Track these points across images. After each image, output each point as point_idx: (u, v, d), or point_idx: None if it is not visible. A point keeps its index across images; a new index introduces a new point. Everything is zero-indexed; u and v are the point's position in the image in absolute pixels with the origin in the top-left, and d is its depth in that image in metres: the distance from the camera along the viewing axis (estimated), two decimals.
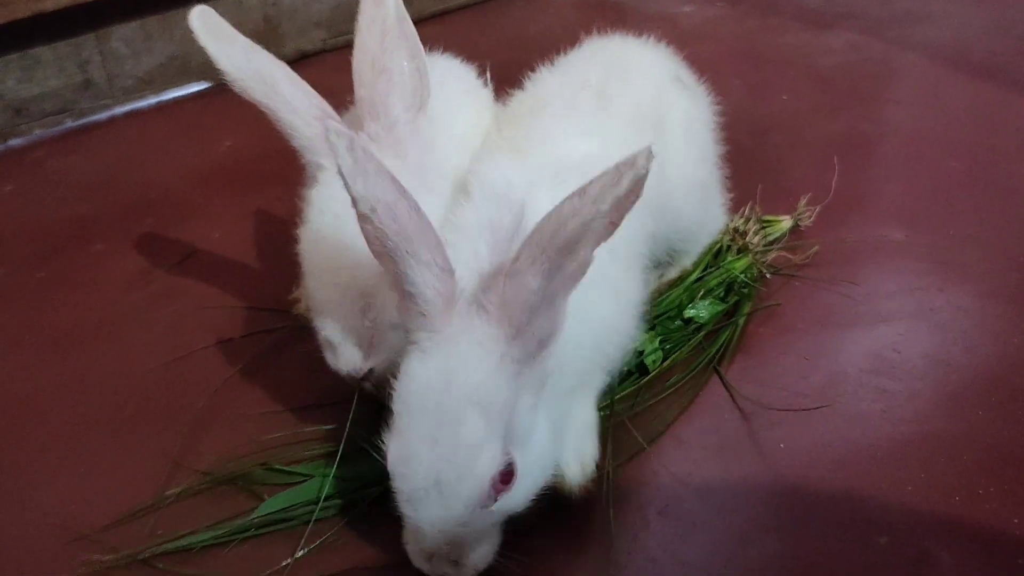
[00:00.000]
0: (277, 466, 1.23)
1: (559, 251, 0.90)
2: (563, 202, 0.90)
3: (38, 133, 2.27)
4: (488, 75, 1.49)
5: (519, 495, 0.98)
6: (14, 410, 1.40)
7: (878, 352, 1.39)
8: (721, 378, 1.34)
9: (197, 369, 1.44)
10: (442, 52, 1.52)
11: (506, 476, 0.95)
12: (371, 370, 1.14)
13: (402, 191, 0.93)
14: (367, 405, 1.20)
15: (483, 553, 1.00)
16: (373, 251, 0.96)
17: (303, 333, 1.48)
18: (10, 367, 1.48)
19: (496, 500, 0.95)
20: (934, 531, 1.10)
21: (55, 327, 1.56)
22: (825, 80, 2.31)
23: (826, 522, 1.13)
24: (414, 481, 0.93)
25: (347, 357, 1.13)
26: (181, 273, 1.68)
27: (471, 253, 1.02)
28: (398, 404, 0.96)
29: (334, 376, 1.32)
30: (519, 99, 1.37)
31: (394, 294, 0.99)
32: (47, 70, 2.25)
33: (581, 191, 0.89)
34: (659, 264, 1.44)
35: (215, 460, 1.26)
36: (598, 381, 1.22)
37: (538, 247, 0.90)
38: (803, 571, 1.07)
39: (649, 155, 0.88)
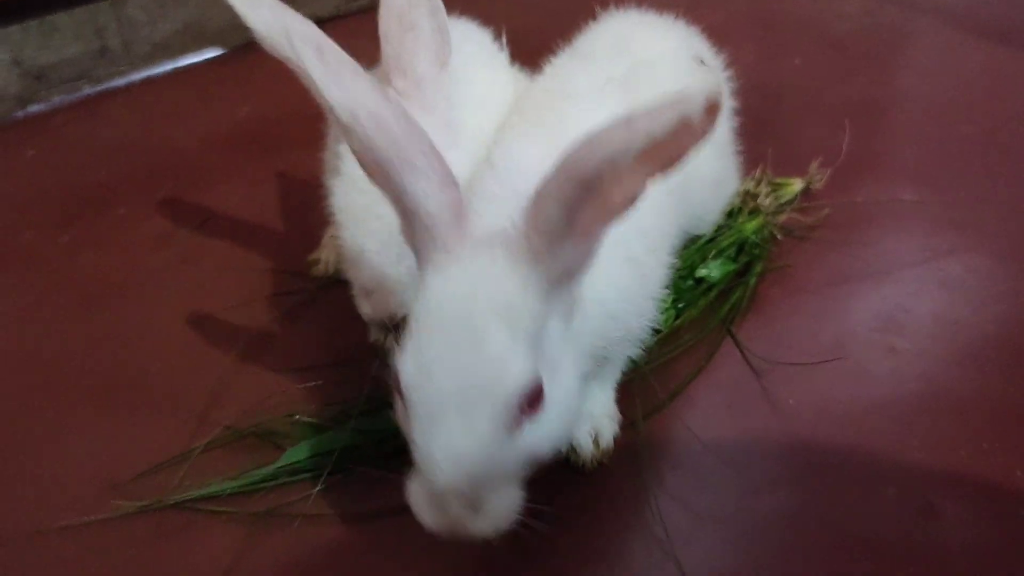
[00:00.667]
0: (299, 417, 1.27)
1: (582, 183, 0.80)
2: (603, 128, 0.79)
3: (57, 99, 2.30)
4: (504, 38, 1.50)
5: (546, 428, 0.88)
6: (46, 367, 1.44)
7: (887, 312, 1.41)
8: (732, 336, 1.37)
9: (221, 328, 1.47)
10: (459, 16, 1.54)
11: (534, 398, 0.86)
12: (404, 317, 1.16)
13: (385, 96, 0.86)
14: (387, 361, 1.24)
15: (505, 503, 0.88)
16: (363, 168, 0.88)
17: (323, 294, 1.53)
18: (40, 327, 1.52)
19: (522, 426, 0.86)
20: (939, 483, 1.13)
21: (81, 288, 1.60)
22: (838, 45, 2.31)
23: (835, 474, 1.16)
24: (433, 395, 0.84)
25: (381, 303, 1.16)
26: (202, 236, 1.71)
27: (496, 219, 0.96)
28: (415, 323, 0.87)
29: (355, 334, 1.37)
30: (542, 87, 1.28)
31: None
32: (65, 37, 2.27)
33: (627, 118, 0.78)
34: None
35: (240, 415, 1.30)
36: (620, 360, 1.23)
37: (564, 174, 0.81)
38: (812, 520, 1.10)
39: (704, 91, 0.76)
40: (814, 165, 1.67)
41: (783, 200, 1.60)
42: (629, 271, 1.08)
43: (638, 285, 1.11)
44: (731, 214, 1.52)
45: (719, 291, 1.42)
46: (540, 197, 0.84)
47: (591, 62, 1.30)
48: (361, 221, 1.13)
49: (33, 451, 1.29)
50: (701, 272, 1.40)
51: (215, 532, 1.14)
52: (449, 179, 0.89)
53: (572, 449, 1.17)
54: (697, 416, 1.25)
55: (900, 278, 1.48)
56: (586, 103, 1.18)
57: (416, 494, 0.89)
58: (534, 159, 1.02)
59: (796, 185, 1.64)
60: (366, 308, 1.17)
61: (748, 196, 1.55)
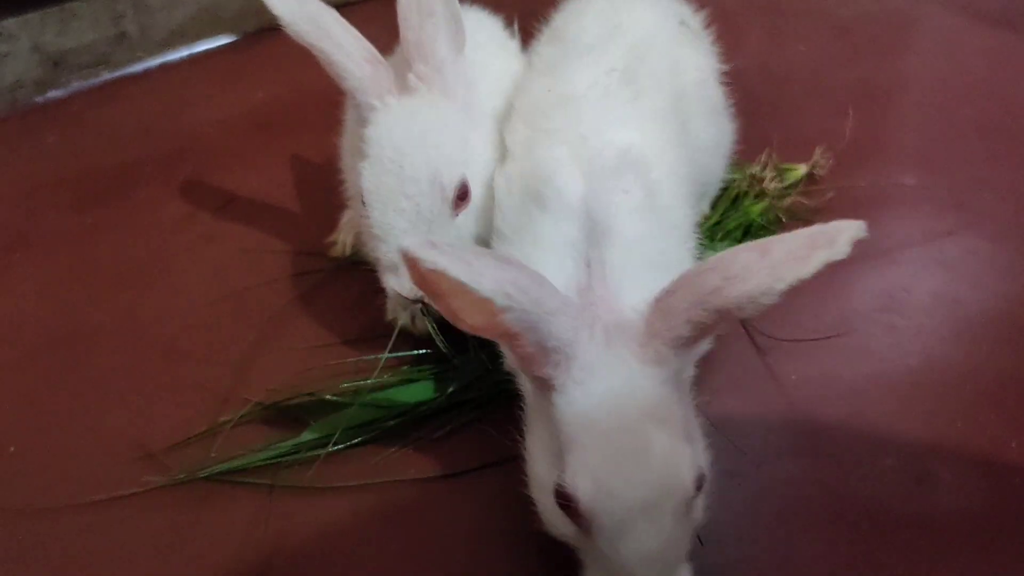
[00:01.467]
0: (321, 395, 1.32)
1: (717, 311, 0.85)
2: (736, 254, 0.85)
3: (75, 85, 2.34)
4: (516, 26, 1.55)
5: (705, 498, 0.95)
6: (75, 343, 1.49)
7: (888, 291, 1.46)
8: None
9: (243, 307, 1.52)
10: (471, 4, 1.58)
11: (699, 481, 0.90)
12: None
13: (511, 262, 0.89)
14: (405, 339, 1.30)
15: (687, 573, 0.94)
16: (519, 329, 0.88)
17: (340, 275, 1.58)
18: (68, 304, 1.57)
19: (693, 507, 0.92)
20: (937, 453, 1.19)
21: (107, 268, 1.65)
22: (843, 30, 2.35)
23: (835, 445, 1.21)
24: (618, 510, 0.86)
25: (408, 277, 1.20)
26: (223, 218, 1.76)
27: (558, 268, 1.04)
28: (573, 439, 0.89)
29: (372, 312, 1.42)
30: (542, 86, 1.30)
31: (448, 224, 1.10)
32: (83, 23, 2.31)
33: (762, 250, 0.83)
34: None
35: (264, 390, 1.35)
36: None
37: (695, 296, 0.87)
38: (814, 488, 1.16)
39: (854, 233, 0.82)
40: (818, 151, 1.72)
41: (788, 184, 1.64)
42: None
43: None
44: (737, 197, 1.57)
45: None
46: (668, 315, 0.89)
47: (587, 53, 1.31)
48: (390, 201, 1.18)
49: (64, 426, 1.34)
50: (708, 254, 1.45)
51: (244, 503, 1.19)
52: (569, 303, 0.93)
53: None
54: (704, 390, 1.30)
55: (901, 259, 1.52)
56: (596, 103, 1.22)
57: None
58: (579, 194, 1.09)
59: (801, 170, 1.68)
60: (393, 283, 1.21)
61: (754, 180, 1.60)
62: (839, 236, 0.81)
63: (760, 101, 1.96)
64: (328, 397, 1.32)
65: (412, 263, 0.82)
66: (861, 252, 1.51)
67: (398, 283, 1.21)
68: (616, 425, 0.88)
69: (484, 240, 1.25)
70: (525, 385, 1.06)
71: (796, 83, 2.10)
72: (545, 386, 0.93)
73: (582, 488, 0.86)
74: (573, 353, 0.90)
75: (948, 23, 2.34)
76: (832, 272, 1.47)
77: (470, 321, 0.89)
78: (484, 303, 0.84)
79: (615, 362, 0.91)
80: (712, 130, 1.45)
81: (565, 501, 0.88)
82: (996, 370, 1.31)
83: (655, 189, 1.14)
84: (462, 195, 1.21)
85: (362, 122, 1.23)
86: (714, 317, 0.86)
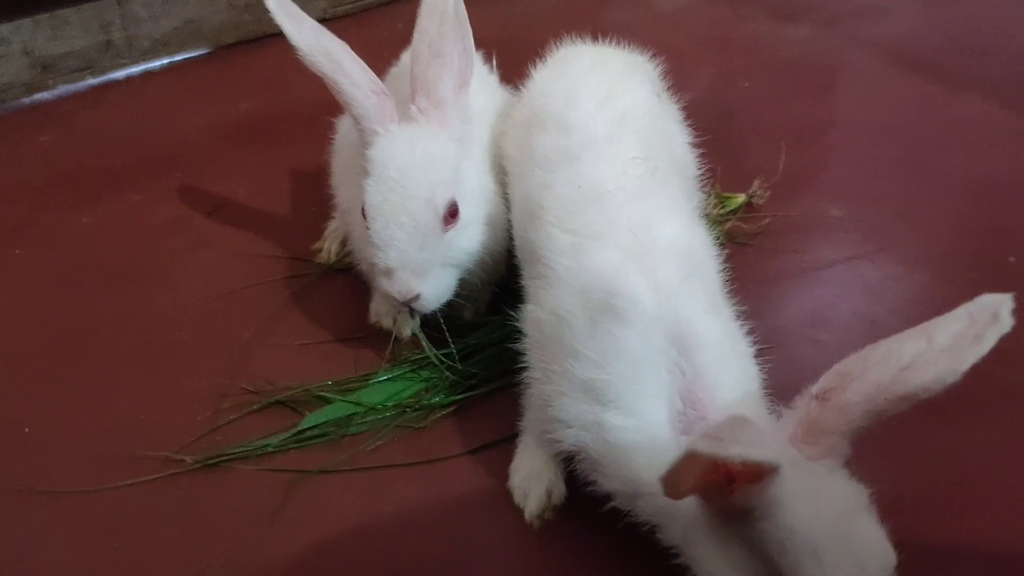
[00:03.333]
0: (314, 390, 1.47)
1: (901, 399, 0.91)
2: (903, 341, 0.92)
3: (62, 88, 2.45)
4: (495, 62, 1.72)
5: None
6: (77, 338, 1.61)
7: (815, 310, 1.66)
8: None
9: (235, 307, 1.66)
10: None
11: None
12: (418, 295, 1.37)
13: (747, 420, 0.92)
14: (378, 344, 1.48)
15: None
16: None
17: (326, 279, 1.73)
18: (68, 301, 1.69)
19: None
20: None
21: (104, 267, 1.77)
22: (784, 69, 2.57)
23: None
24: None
25: (402, 281, 1.35)
26: (213, 223, 1.89)
27: (657, 381, 1.08)
28: (808, 556, 0.90)
29: (355, 315, 1.57)
30: (569, 184, 1.31)
31: (439, 237, 1.32)
32: (73, 30, 2.42)
33: (927, 336, 0.90)
34: None
35: (260, 383, 1.49)
36: None
37: (873, 389, 0.93)
38: None
39: (1010, 305, 0.88)
40: (756, 182, 1.92)
41: (728, 210, 1.84)
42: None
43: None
44: None
45: None
46: (845, 410, 0.96)
47: (606, 144, 1.34)
48: (392, 216, 1.33)
49: (74, 411, 1.46)
50: None
51: (250, 486, 1.33)
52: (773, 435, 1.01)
53: None
54: None
55: (827, 281, 1.72)
56: (632, 195, 1.26)
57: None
58: (658, 302, 1.12)
59: (740, 198, 1.88)
60: (388, 284, 1.36)
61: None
62: (1001, 311, 0.87)
63: (708, 134, 2.15)
64: (320, 393, 1.46)
65: (700, 459, 0.83)
66: (793, 274, 1.74)
67: (393, 285, 1.36)
68: (842, 529, 0.91)
69: (472, 252, 1.42)
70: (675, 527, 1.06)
71: (741, 118, 2.30)
72: (737, 515, 0.93)
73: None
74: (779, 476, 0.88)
75: (878, 66, 2.57)
76: (767, 291, 1.69)
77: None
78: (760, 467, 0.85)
79: (810, 470, 0.95)
80: (697, 195, 1.62)
81: None
82: None
83: (707, 278, 1.24)
84: (452, 213, 1.36)
85: (365, 144, 1.38)
86: (897, 405, 0.92)
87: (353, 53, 1.40)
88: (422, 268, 1.35)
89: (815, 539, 0.89)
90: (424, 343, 1.43)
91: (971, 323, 0.88)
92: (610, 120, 1.38)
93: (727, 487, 0.90)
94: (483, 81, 1.64)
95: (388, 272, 1.36)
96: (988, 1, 3.04)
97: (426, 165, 1.34)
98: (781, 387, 1.48)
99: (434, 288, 1.37)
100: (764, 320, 1.61)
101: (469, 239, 1.41)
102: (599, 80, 1.47)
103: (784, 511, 0.90)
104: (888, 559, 0.91)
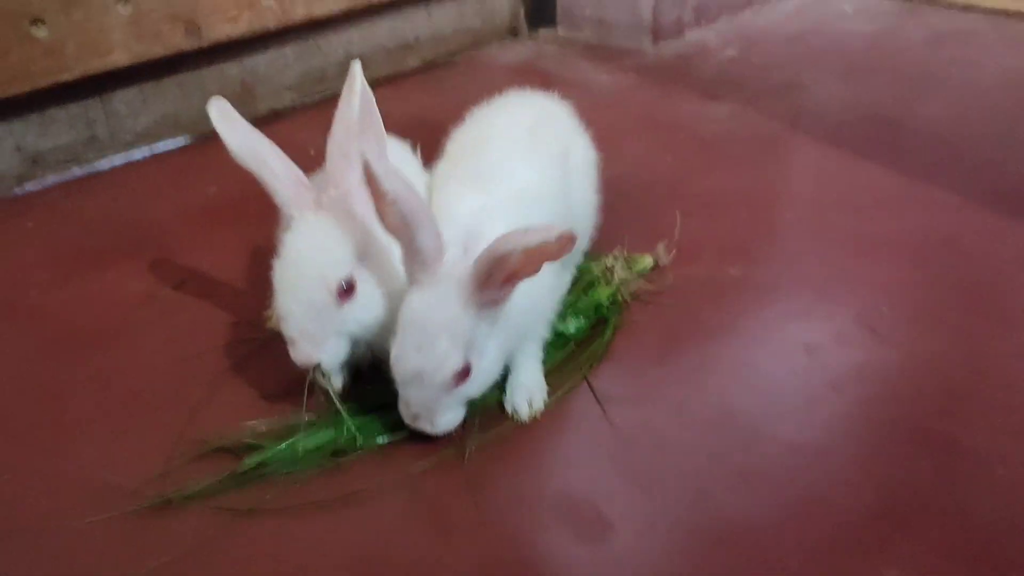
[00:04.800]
0: (255, 442, 1.66)
1: (496, 262, 1.42)
2: (509, 234, 1.40)
3: (51, 179, 2.71)
4: (418, 149, 1.98)
5: (474, 385, 1.55)
6: (51, 398, 1.81)
7: (706, 357, 1.87)
8: (585, 378, 1.81)
9: (194, 368, 1.87)
10: (393, 113, 1.98)
11: (464, 374, 1.50)
12: (319, 363, 1.59)
13: (412, 191, 1.45)
14: (316, 397, 1.66)
15: (449, 419, 1.58)
16: (389, 227, 1.51)
17: (273, 341, 1.95)
18: (45, 366, 1.91)
19: (456, 387, 1.51)
20: (733, 491, 1.58)
21: (80, 335, 2.00)
22: (705, 144, 2.83)
23: (658, 477, 1.60)
24: (406, 372, 1.50)
25: (302, 350, 1.58)
26: (179, 295, 2.12)
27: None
28: (401, 322, 1.50)
29: (295, 372, 1.78)
30: (464, 132, 1.87)
31: (334, 312, 1.56)
32: (60, 127, 2.70)
33: (522, 229, 1.39)
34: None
35: (211, 434, 1.69)
36: (538, 339, 1.77)
37: (490, 257, 1.41)
38: (645, 521, 1.52)
39: (562, 234, 1.37)
40: (661, 245, 2.16)
41: (636, 271, 2.07)
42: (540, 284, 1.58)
43: (550, 279, 1.69)
44: (591, 284, 1.99)
45: (578, 343, 1.88)
46: (478, 262, 1.43)
47: (502, 113, 1.93)
48: (289, 292, 1.57)
49: (43, 463, 1.65)
50: (560, 328, 1.86)
51: (194, 524, 1.51)
52: (439, 237, 1.48)
53: (514, 410, 1.69)
54: (559, 435, 1.69)
55: (721, 334, 1.95)
56: (502, 143, 1.82)
57: (401, 408, 1.59)
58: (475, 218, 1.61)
59: (648, 260, 2.12)
60: (293, 353, 1.59)
61: (606, 269, 2.02)
62: (552, 230, 1.39)
63: (629, 203, 2.41)
64: (259, 444, 1.65)
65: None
66: (692, 327, 1.95)
67: (296, 354, 1.59)
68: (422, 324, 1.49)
69: (375, 328, 1.63)
70: None
71: (660, 188, 2.55)
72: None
73: (392, 351, 1.53)
74: (426, 264, 1.49)
75: (788, 138, 2.84)
76: (668, 342, 1.90)
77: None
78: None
79: (445, 281, 1.50)
80: (588, 196, 2.01)
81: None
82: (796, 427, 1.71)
83: None
84: (348, 290, 1.58)
85: (285, 228, 1.63)
86: (497, 263, 1.42)
87: (279, 150, 1.65)
88: (317, 338, 1.58)
89: (400, 314, 1.52)
90: (334, 398, 1.64)
91: (535, 231, 1.40)
92: (519, 105, 1.99)
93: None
94: (405, 163, 1.88)
95: (291, 341, 1.59)
96: (897, 77, 3.34)
97: (323, 246, 1.57)
98: (669, 422, 1.69)
99: (331, 355, 1.61)
100: (662, 368, 1.84)
101: (365, 311, 1.61)
102: (528, 97, 2.03)
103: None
104: (440, 368, 1.49)
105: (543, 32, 4.06)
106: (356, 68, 1.64)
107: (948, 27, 3.95)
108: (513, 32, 4.00)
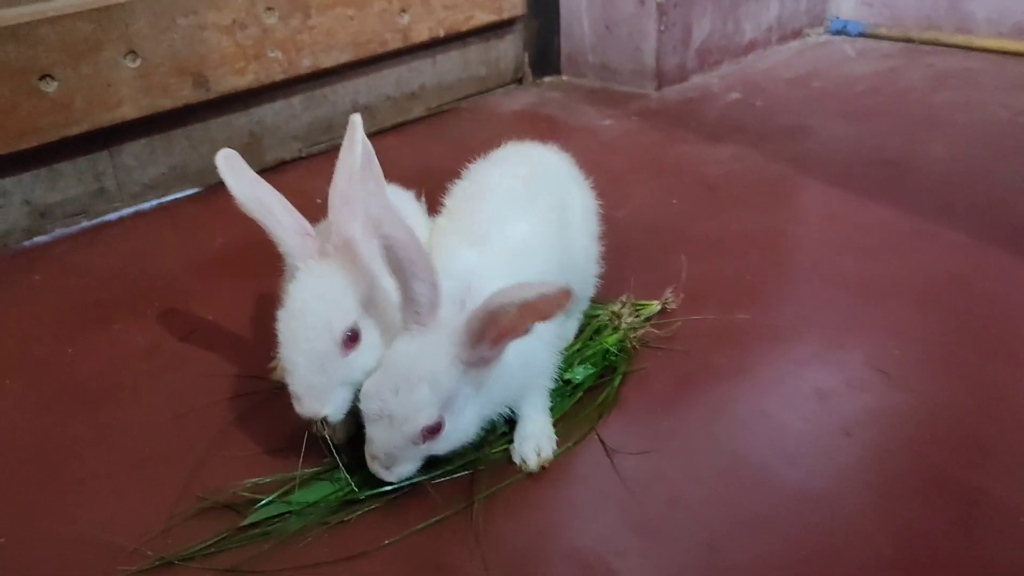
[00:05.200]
0: (240, 491, 1.64)
1: (490, 318, 1.39)
2: (504, 289, 1.38)
3: (59, 231, 2.73)
4: (423, 197, 1.98)
5: (442, 445, 1.53)
6: (56, 453, 1.81)
7: (716, 404, 1.85)
8: (593, 428, 1.79)
9: (199, 421, 1.86)
10: (401, 159, 2.00)
11: (435, 430, 1.48)
12: (325, 417, 1.57)
13: (411, 236, 1.44)
14: (319, 447, 1.65)
15: (408, 469, 1.55)
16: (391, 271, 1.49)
17: (278, 394, 1.93)
18: (51, 420, 1.90)
19: (423, 442, 1.49)
20: (745, 542, 1.55)
21: (85, 390, 1.99)
22: (710, 186, 2.83)
23: (665, 534, 1.57)
24: (375, 410, 1.47)
25: (308, 405, 1.56)
26: (185, 346, 2.12)
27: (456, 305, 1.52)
28: (384, 362, 1.50)
29: (298, 424, 1.76)
30: (462, 187, 1.84)
31: (338, 361, 1.52)
32: (68, 181, 2.72)
33: (517, 285, 1.37)
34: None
35: (213, 490, 1.67)
36: (544, 385, 1.75)
37: (484, 312, 1.39)
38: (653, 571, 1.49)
39: (564, 290, 1.35)
40: (668, 290, 2.15)
41: (643, 317, 2.06)
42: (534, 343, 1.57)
43: (543, 349, 1.68)
44: (598, 330, 1.97)
45: (584, 391, 1.85)
46: (472, 317, 1.40)
47: (499, 166, 1.89)
48: (294, 343, 1.56)
49: (47, 522, 1.63)
50: (567, 375, 1.84)
51: None
52: (435, 284, 1.47)
53: (523, 460, 1.66)
54: (569, 484, 1.66)
55: (729, 377, 1.92)
56: (498, 195, 1.79)
57: (366, 447, 1.56)
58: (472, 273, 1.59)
59: (655, 306, 2.10)
60: (297, 407, 1.57)
61: (613, 315, 2.01)
62: (552, 287, 1.37)
63: (634, 247, 2.40)
64: (259, 497, 1.63)
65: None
66: (699, 373, 1.93)
67: (300, 408, 1.57)
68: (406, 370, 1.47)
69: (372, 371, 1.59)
70: None
71: (666, 232, 2.55)
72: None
73: (366, 384, 1.51)
74: (420, 312, 1.48)
75: (794, 181, 2.85)
76: (677, 389, 1.88)
77: None
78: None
79: (436, 332, 1.49)
80: (588, 246, 2.00)
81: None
82: (805, 475, 1.69)
83: None
84: (352, 338, 1.57)
85: (289, 278, 1.62)
86: (491, 322, 1.41)
87: (284, 200, 1.66)
88: (323, 391, 1.55)
89: (386, 358, 1.53)
90: (334, 450, 1.62)
91: (534, 288, 1.38)
92: (515, 159, 1.94)
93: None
94: (410, 213, 1.88)
95: (296, 396, 1.57)
96: (900, 118, 3.35)
97: (326, 296, 1.56)
98: (681, 475, 1.66)
99: (338, 407, 1.58)
100: (671, 416, 1.82)
101: (370, 360, 1.58)
102: (524, 150, 2.00)
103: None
104: (413, 418, 1.47)
105: (547, 79, 4.10)
106: (356, 120, 1.65)
107: (949, 68, 3.98)
108: (518, 79, 4.04)
